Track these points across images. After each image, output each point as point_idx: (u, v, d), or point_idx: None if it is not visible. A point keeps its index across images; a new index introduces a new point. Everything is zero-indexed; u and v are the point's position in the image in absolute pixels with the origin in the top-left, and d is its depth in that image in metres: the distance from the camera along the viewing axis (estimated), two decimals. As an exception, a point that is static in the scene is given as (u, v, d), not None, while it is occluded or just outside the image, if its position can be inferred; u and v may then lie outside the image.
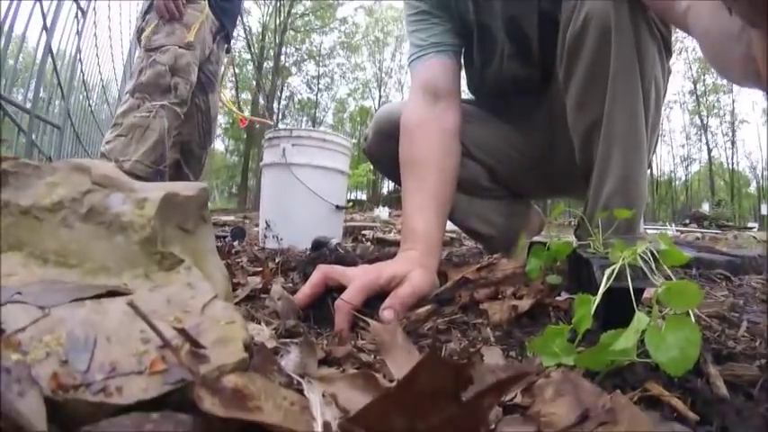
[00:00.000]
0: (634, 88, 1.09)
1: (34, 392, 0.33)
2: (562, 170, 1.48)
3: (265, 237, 2.71)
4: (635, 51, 1.07)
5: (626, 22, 1.05)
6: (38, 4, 2.93)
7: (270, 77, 25.92)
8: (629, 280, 0.68)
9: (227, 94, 3.37)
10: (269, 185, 2.87)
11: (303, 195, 2.69)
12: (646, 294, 0.74)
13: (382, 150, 1.56)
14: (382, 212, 8.52)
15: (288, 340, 0.74)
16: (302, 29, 28.85)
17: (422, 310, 0.95)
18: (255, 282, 1.23)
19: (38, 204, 0.58)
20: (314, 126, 29.88)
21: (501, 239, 1.65)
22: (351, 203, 3.15)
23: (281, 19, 25.86)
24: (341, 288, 0.97)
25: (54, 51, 3.44)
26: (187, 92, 2.54)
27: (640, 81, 1.09)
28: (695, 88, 28.25)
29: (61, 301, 0.45)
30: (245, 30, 23.98)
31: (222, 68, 3.03)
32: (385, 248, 2.36)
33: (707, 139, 28.95)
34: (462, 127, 1.38)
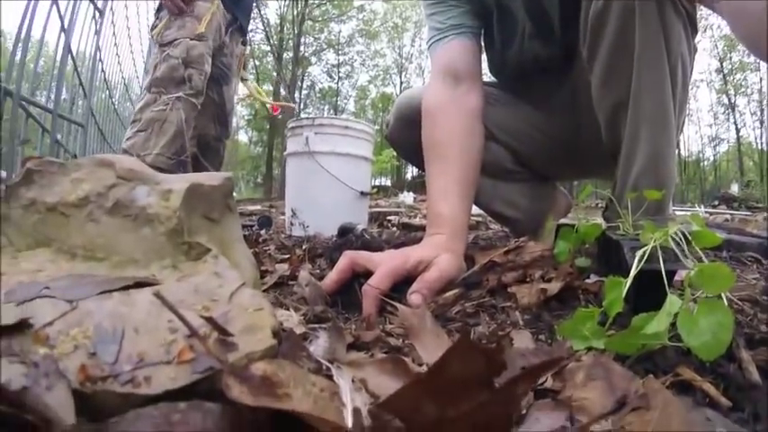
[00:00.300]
0: (660, 66, 1.06)
1: (62, 386, 0.34)
2: (587, 150, 1.46)
3: (292, 224, 2.72)
4: (660, 28, 1.04)
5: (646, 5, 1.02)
6: (54, 6, 2.96)
7: (290, 68, 25.97)
8: (662, 262, 0.66)
9: (251, 84, 3.36)
10: (293, 174, 2.88)
11: (328, 183, 2.70)
12: (677, 277, 0.73)
13: (404, 136, 1.55)
14: (407, 197, 8.48)
15: (316, 326, 0.74)
16: (320, 18, 28.80)
17: (449, 294, 0.94)
18: (283, 269, 1.23)
19: (64, 201, 0.59)
20: (336, 114, 29.95)
21: (527, 222, 1.63)
22: (375, 189, 3.15)
23: (299, 9, 25.85)
24: (368, 273, 0.97)
25: (74, 52, 3.47)
26: (201, 82, 2.56)
27: (666, 58, 1.06)
28: (722, 66, 27.40)
29: (89, 293, 0.46)
30: (263, 22, 24.07)
31: (236, 61, 3.04)
32: (411, 233, 2.35)
33: (735, 118, 28.18)
34: (485, 109, 1.36)
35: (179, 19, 2.56)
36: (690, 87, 1.24)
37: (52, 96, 3.44)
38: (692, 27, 1.13)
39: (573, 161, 1.60)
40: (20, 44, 2.72)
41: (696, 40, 1.22)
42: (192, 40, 2.52)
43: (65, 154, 3.65)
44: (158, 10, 2.69)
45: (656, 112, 1.07)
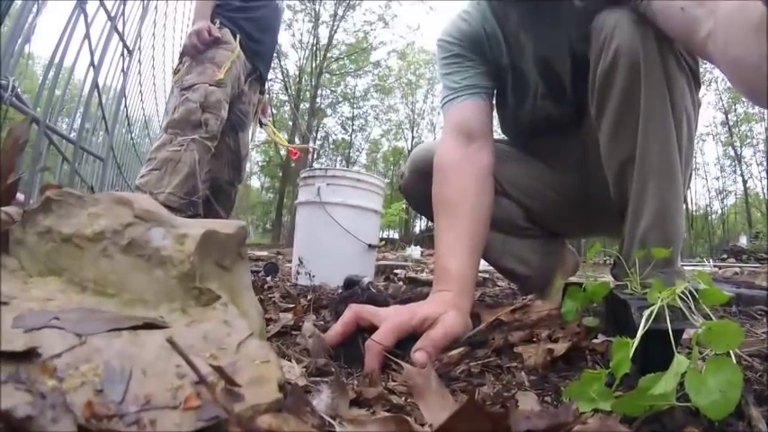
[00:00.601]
0: (666, 121, 1.09)
1: (68, 420, 0.34)
2: (597, 208, 1.47)
3: (298, 273, 2.72)
4: (665, 85, 1.08)
5: (654, 56, 1.07)
6: (86, 41, 3.05)
7: (306, 118, 26.38)
8: (668, 321, 0.66)
9: (270, 129, 3.46)
10: (303, 223, 2.90)
11: (336, 234, 2.71)
12: (685, 336, 0.72)
13: (418, 188, 1.55)
14: (414, 251, 8.48)
15: (318, 379, 0.74)
16: (337, 72, 29.39)
17: (454, 352, 0.93)
18: (287, 318, 1.23)
19: (80, 233, 0.59)
20: (348, 166, 30.25)
21: (536, 279, 1.62)
22: (383, 242, 3.16)
23: (317, 62, 26.44)
24: (372, 328, 0.96)
25: (100, 86, 3.56)
26: (217, 127, 2.63)
27: (672, 114, 1.09)
28: (727, 119, 27.32)
29: (98, 329, 0.46)
30: (282, 72, 24.70)
31: (253, 108, 3.12)
32: (417, 288, 2.34)
33: (741, 170, 28.04)
34: (497, 165, 1.38)
35: (200, 65, 2.64)
36: (695, 141, 1.27)
37: (74, 125, 3.52)
38: (695, 82, 1.18)
39: (582, 219, 1.61)
40: (50, 71, 2.81)
41: (701, 95, 1.26)
42: (210, 85, 2.60)
43: (81, 183, 3.70)
44: (182, 55, 2.78)
45: (663, 167, 1.09)
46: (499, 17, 1.41)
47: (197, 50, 2.63)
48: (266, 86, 3.23)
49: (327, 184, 2.77)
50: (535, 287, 1.58)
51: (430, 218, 1.50)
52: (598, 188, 1.33)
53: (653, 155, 1.09)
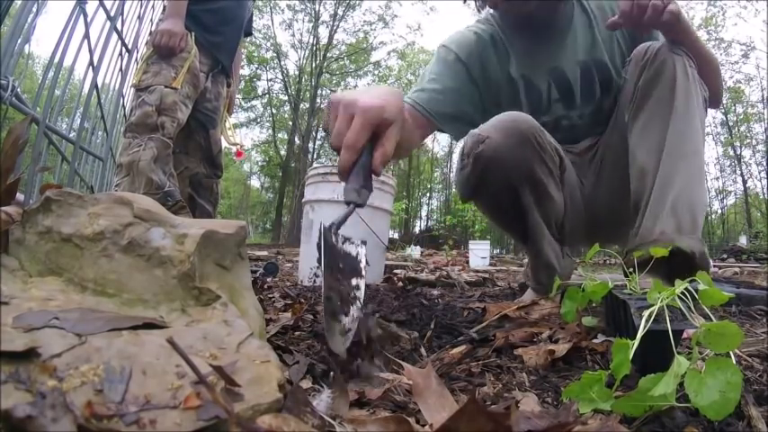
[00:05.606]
0: (692, 121, 1.35)
1: (68, 420, 0.34)
2: (600, 220, 1.71)
3: (316, 276, 2.63)
4: (691, 96, 1.36)
5: (685, 75, 1.36)
6: (85, 41, 3.04)
7: (306, 118, 26.37)
8: (668, 322, 0.66)
9: (229, 123, 3.35)
10: (323, 222, 2.83)
11: (358, 234, 2.67)
12: (685, 335, 0.72)
13: (508, 151, 1.46)
14: (414, 251, 8.47)
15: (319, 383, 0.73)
16: (337, 72, 29.39)
17: (456, 351, 0.94)
18: (287, 318, 1.23)
19: (79, 233, 0.59)
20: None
21: (560, 277, 1.65)
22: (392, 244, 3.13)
23: (317, 62, 26.44)
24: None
25: (99, 85, 3.54)
26: (174, 129, 2.62)
27: (694, 117, 1.35)
28: (726, 119, 27.34)
29: (99, 329, 0.46)
30: (282, 72, 24.67)
31: (223, 103, 3.08)
32: (416, 288, 2.34)
33: (741, 170, 28.05)
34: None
35: (155, 64, 2.62)
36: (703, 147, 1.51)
37: (73, 125, 3.50)
38: (704, 104, 1.45)
39: (587, 225, 1.76)
40: (50, 71, 2.81)
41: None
42: (166, 88, 2.59)
43: (81, 183, 3.69)
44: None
45: (691, 151, 1.33)
46: (506, 32, 1.64)
47: (168, 50, 2.62)
48: (231, 79, 3.18)
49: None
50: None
51: (504, 188, 1.53)
52: (606, 199, 1.65)
53: (683, 142, 1.33)
